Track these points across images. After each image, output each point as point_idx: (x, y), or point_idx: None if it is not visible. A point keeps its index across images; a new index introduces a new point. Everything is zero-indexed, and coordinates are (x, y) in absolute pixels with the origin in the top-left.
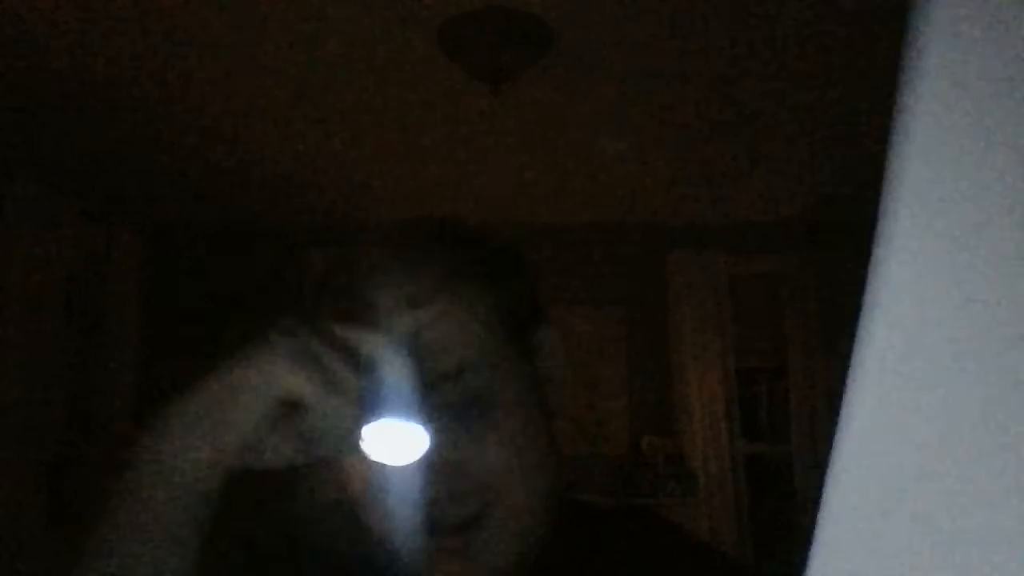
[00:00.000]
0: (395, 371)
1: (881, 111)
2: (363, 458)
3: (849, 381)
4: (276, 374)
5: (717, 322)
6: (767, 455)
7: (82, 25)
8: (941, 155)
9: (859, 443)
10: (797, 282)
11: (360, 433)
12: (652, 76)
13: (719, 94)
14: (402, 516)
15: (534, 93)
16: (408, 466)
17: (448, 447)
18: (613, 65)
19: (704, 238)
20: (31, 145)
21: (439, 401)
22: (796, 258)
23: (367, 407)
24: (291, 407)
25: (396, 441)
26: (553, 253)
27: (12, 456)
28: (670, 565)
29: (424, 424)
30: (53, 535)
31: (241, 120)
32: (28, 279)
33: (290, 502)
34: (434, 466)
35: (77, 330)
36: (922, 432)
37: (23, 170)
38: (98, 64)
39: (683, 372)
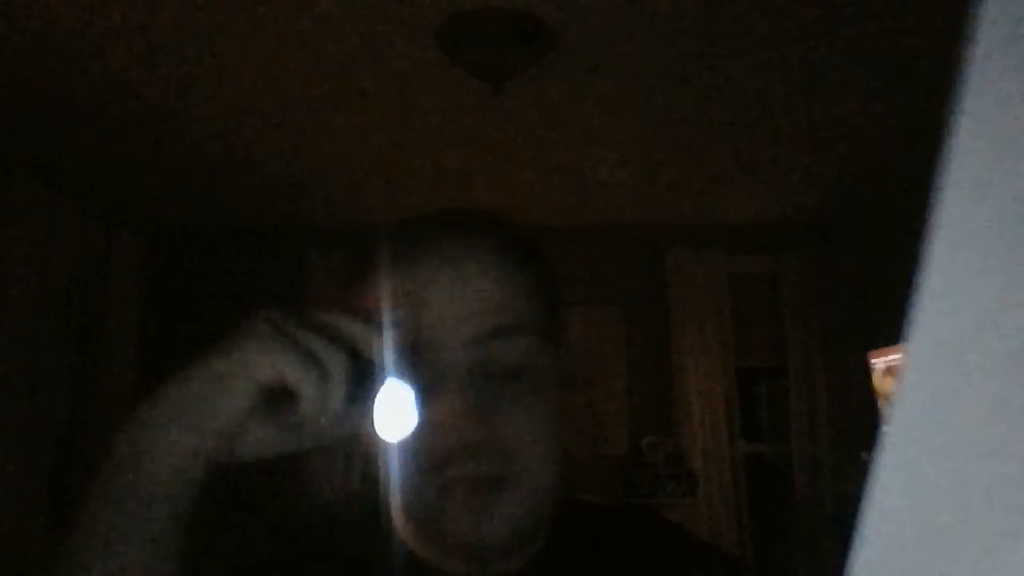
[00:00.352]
0: (381, 352)
1: (881, 111)
2: (357, 437)
3: (898, 383)
4: (254, 359)
5: (717, 322)
6: (767, 455)
7: (82, 25)
8: (994, 152)
9: (904, 451)
10: (797, 282)
11: (351, 413)
12: (652, 76)
13: (719, 94)
14: (425, 468)
15: (534, 93)
16: (439, 422)
17: (483, 407)
18: (613, 65)
19: (704, 238)
20: (31, 145)
21: (478, 360)
22: (796, 258)
23: (357, 387)
24: (276, 395)
25: (390, 418)
26: (553, 253)
27: (12, 456)
28: (671, 564)
29: (416, 399)
30: (53, 535)
31: (241, 120)
32: (28, 279)
33: (286, 504)
34: (467, 422)
35: (77, 330)
36: (969, 438)
37: (23, 170)
38: (98, 64)
39: (683, 372)
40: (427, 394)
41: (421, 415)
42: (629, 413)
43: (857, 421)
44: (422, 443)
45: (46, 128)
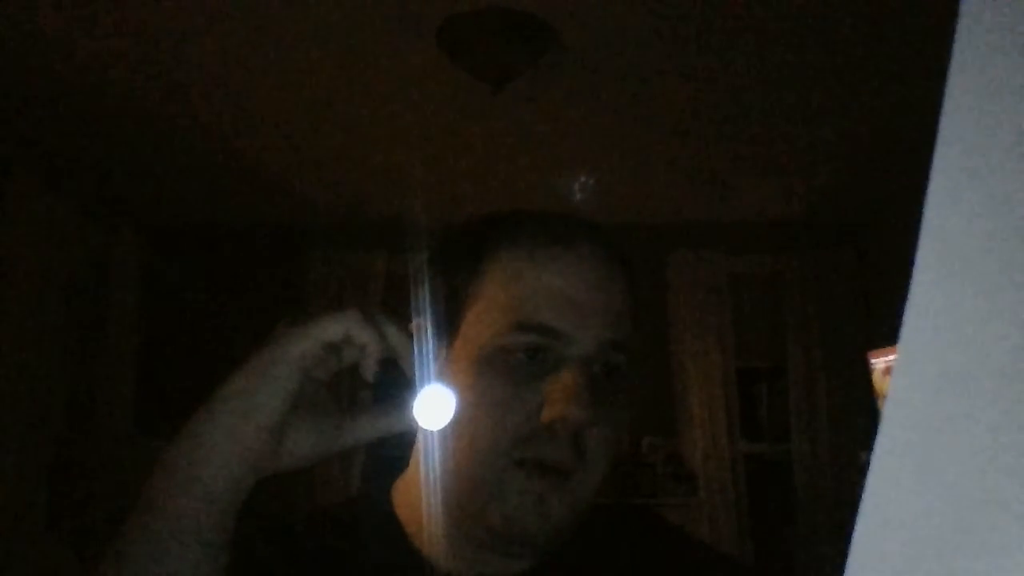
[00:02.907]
0: (416, 362)
1: (880, 111)
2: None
3: (890, 384)
4: (323, 321)
5: (717, 322)
6: (767, 455)
7: (82, 24)
8: (984, 157)
9: (898, 453)
10: (797, 282)
11: (388, 414)
12: (653, 76)
13: (719, 94)
14: (509, 443)
15: (534, 93)
16: (549, 396)
17: (591, 395)
18: (613, 65)
19: (704, 238)
20: (31, 145)
21: (598, 360)
22: (796, 258)
23: (394, 392)
24: (315, 397)
25: (431, 406)
26: None
27: (12, 456)
28: (671, 566)
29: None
30: (53, 536)
31: (241, 120)
32: (28, 279)
33: (289, 508)
34: (575, 402)
35: (77, 330)
36: (960, 440)
37: (23, 170)
38: (98, 64)
39: (683, 372)
40: (544, 372)
41: (529, 390)
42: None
43: (857, 421)
44: (517, 418)
45: (46, 128)
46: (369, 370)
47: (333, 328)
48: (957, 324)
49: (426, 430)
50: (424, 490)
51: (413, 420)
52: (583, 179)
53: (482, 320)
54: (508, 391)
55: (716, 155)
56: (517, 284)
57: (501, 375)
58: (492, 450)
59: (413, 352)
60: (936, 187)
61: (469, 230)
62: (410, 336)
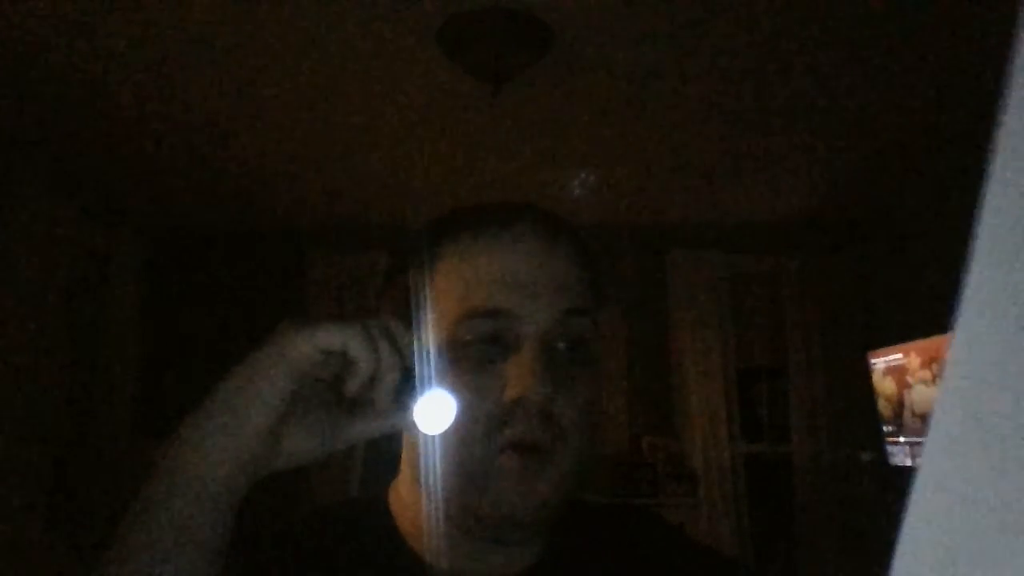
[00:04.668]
0: (419, 358)
1: (880, 111)
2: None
3: (941, 385)
4: (321, 329)
5: (717, 322)
6: (767, 455)
7: (83, 25)
8: None
9: (946, 455)
10: (797, 282)
11: (389, 412)
12: (652, 75)
13: (719, 94)
14: (484, 431)
15: (534, 93)
16: (511, 377)
17: (551, 369)
18: (613, 65)
19: (704, 238)
20: (31, 145)
21: (555, 332)
22: (796, 258)
23: (410, 376)
24: (311, 399)
25: (431, 410)
26: None
27: (12, 456)
28: (670, 566)
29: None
30: (53, 536)
31: (241, 121)
32: (28, 279)
33: (289, 508)
34: (536, 379)
35: (77, 330)
36: (1015, 435)
37: (23, 170)
38: (99, 65)
39: (683, 372)
40: (504, 354)
41: (491, 375)
42: (629, 413)
43: (857, 421)
44: (485, 404)
45: (47, 129)
46: (352, 389)
47: (333, 337)
48: (1015, 315)
49: (415, 431)
50: (416, 490)
51: (412, 423)
52: (583, 178)
53: (437, 316)
54: (471, 380)
55: (716, 154)
56: (461, 274)
57: (462, 366)
58: (469, 440)
59: (412, 361)
60: (997, 173)
61: (421, 234)
62: (410, 344)
